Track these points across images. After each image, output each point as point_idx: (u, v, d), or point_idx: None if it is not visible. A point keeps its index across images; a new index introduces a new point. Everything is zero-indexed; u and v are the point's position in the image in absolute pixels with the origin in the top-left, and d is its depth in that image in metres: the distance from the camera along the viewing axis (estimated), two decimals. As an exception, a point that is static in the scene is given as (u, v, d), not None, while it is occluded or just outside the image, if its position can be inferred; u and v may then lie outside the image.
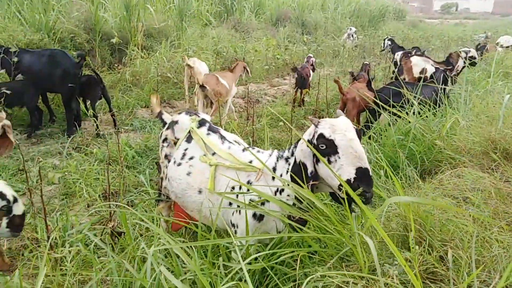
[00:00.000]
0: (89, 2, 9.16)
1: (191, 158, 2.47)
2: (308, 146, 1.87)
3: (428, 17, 41.24)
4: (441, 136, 3.57)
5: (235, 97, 8.32)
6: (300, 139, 1.98)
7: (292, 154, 2.06)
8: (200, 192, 2.36)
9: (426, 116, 4.11)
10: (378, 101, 4.44)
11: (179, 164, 2.49)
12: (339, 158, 1.77)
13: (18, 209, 2.06)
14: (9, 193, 2.04)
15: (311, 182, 1.88)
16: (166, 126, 2.77)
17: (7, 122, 3.31)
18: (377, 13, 21.44)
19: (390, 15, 23.71)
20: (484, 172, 2.62)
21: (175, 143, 2.65)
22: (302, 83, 7.46)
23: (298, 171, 1.92)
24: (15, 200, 2.08)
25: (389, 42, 11.04)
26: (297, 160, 1.96)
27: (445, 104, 4.62)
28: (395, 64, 8.99)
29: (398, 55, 9.20)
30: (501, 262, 1.60)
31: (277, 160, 2.14)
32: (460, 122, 3.70)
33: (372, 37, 16.61)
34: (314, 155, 1.87)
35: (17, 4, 8.13)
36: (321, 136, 1.81)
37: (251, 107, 6.34)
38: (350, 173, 1.74)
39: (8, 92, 4.97)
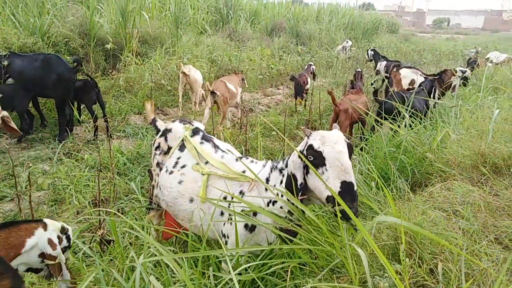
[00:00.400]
0: (84, 7, 9.17)
1: (183, 167, 2.46)
2: (300, 156, 1.88)
3: (420, 31, 41.96)
4: (432, 149, 3.61)
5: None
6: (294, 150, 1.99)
7: (287, 165, 2.07)
8: (191, 200, 2.34)
9: (418, 129, 4.15)
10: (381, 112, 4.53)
11: (171, 172, 2.48)
12: (326, 170, 1.78)
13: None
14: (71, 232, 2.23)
15: (300, 194, 1.88)
16: (160, 133, 2.76)
17: (5, 113, 3.47)
18: (371, 26, 21.75)
19: (384, 28, 24.05)
20: (474, 185, 2.65)
21: (166, 152, 2.64)
22: (298, 90, 7.61)
23: (289, 183, 1.93)
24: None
25: (372, 52, 11.38)
26: (288, 172, 1.97)
27: (436, 117, 4.69)
28: (377, 72, 9.69)
29: (381, 64, 9.65)
30: (490, 276, 1.61)
31: (271, 171, 2.14)
32: (450, 135, 3.75)
33: (365, 49, 16.82)
34: (305, 166, 1.88)
35: (11, 7, 8.09)
36: (310, 147, 1.83)
37: (244, 116, 6.35)
38: (335, 186, 1.74)
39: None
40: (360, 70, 8.09)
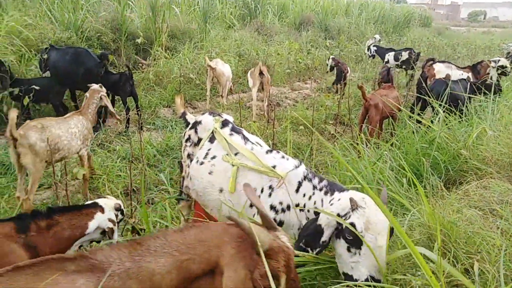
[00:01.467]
0: (116, 2, 9.37)
1: (213, 158, 2.48)
2: (339, 221, 1.74)
3: (455, 25, 40.38)
4: (467, 145, 3.48)
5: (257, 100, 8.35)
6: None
7: (320, 189, 1.99)
8: (221, 191, 2.36)
9: (452, 125, 4.01)
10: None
11: (202, 163, 2.51)
12: (359, 255, 1.69)
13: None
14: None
15: (317, 251, 1.80)
16: (190, 126, 2.80)
17: (103, 92, 4.14)
18: (402, 19, 21.13)
19: (416, 22, 23.32)
20: (513, 184, 2.54)
21: (197, 144, 2.67)
22: (340, 76, 8.17)
23: (313, 233, 1.81)
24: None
25: (375, 48, 11.35)
26: (318, 222, 1.82)
27: (471, 113, 4.51)
28: (386, 63, 9.98)
29: (390, 55, 10.10)
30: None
31: (304, 178, 2.08)
32: (487, 132, 3.60)
33: (397, 43, 16.37)
34: (336, 229, 1.78)
35: (48, 3, 8.38)
36: (352, 226, 1.69)
37: (272, 110, 6.34)
38: (361, 274, 1.67)
39: (37, 88, 5.14)
40: (389, 66, 7.95)
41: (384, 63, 10.24)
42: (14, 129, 3.17)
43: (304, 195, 2.03)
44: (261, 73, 6.75)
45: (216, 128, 2.58)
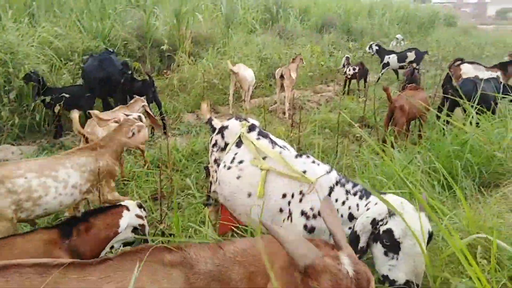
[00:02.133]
0: (141, 10, 9.59)
1: (240, 162, 2.48)
2: (371, 226, 1.75)
3: (482, 23, 39.15)
4: (502, 147, 3.35)
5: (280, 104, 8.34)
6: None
7: (355, 194, 1.97)
8: (249, 195, 2.35)
9: (485, 127, 3.87)
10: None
11: (229, 168, 2.51)
12: (397, 259, 1.67)
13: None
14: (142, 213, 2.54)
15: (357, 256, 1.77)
16: (216, 131, 2.81)
17: (144, 103, 4.09)
18: (427, 19, 20.68)
19: (441, 22, 22.76)
20: (554, 187, 2.42)
21: (223, 149, 2.68)
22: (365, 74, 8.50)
23: (353, 241, 1.79)
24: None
25: (376, 47, 11.14)
26: (355, 228, 1.82)
27: (504, 114, 4.35)
28: (384, 66, 10.28)
29: (391, 57, 10.17)
30: None
31: (336, 184, 2.06)
32: (523, 133, 3.45)
33: (421, 44, 16.01)
34: (372, 234, 1.77)
35: (77, 13, 8.66)
36: (389, 232, 1.68)
37: (294, 114, 6.31)
38: (399, 278, 1.65)
39: (67, 95, 5.31)
40: (416, 66, 7.80)
41: (382, 65, 10.31)
42: None
43: (336, 200, 2.00)
44: (281, 76, 7.03)
45: (243, 133, 2.58)
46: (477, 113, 4.30)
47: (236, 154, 2.55)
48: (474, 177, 3.18)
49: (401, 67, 9.96)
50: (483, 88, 4.86)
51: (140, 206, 2.56)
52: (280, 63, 9.80)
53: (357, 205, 1.92)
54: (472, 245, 1.77)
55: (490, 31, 27.64)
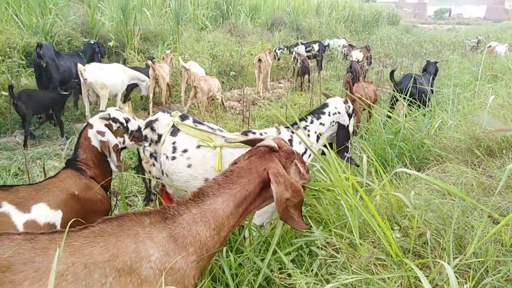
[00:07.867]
0: (86, 5, 9.28)
1: (185, 151, 2.49)
2: None
3: (422, 22, 41.72)
4: (430, 135, 3.71)
5: (230, 100, 8.45)
6: None
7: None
8: (206, 180, 2.38)
9: (416, 117, 4.25)
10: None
11: (173, 158, 2.51)
12: None
13: (133, 126, 2.49)
14: (120, 116, 2.44)
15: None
16: (144, 126, 2.70)
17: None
18: (371, 18, 21.73)
19: (384, 20, 24.01)
20: (468, 167, 2.75)
21: (158, 141, 2.64)
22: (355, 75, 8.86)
23: None
24: (127, 120, 2.47)
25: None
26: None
27: (434, 106, 4.78)
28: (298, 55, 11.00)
29: (299, 48, 11.57)
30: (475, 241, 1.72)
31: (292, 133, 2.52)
32: (448, 122, 3.83)
33: (366, 42, 16.84)
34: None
35: (14, 7, 8.21)
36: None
37: (246, 109, 6.44)
38: None
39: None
40: (357, 60, 8.26)
41: (292, 57, 10.89)
42: None
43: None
44: (259, 59, 8.01)
45: (177, 122, 2.57)
46: (410, 104, 4.70)
47: (174, 143, 2.54)
48: (406, 163, 3.49)
49: (309, 56, 11.27)
50: (419, 83, 5.29)
51: (108, 118, 2.40)
52: (231, 60, 9.91)
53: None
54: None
55: (429, 30, 29.61)
